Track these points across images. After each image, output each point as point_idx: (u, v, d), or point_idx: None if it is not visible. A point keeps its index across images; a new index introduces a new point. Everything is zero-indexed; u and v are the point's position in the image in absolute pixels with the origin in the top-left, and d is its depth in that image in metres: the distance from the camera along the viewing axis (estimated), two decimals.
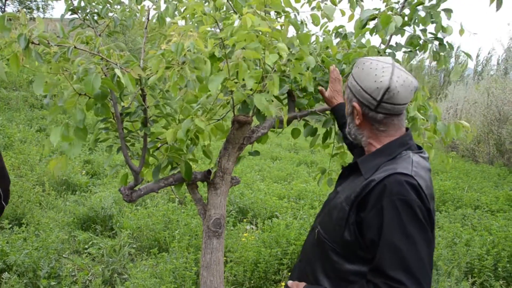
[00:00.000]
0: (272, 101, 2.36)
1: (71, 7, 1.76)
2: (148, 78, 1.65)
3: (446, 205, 6.54)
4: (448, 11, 2.40)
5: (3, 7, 22.57)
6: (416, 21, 2.37)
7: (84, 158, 7.21)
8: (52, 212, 5.02)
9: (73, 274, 3.61)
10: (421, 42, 2.40)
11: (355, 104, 1.49)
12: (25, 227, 4.29)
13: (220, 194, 2.20)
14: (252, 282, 3.72)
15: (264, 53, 1.85)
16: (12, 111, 9.78)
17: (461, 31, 2.46)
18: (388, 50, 2.37)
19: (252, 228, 5.13)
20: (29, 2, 21.03)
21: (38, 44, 1.45)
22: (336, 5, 2.54)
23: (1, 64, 1.45)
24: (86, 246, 4.26)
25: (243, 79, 1.73)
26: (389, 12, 2.22)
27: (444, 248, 4.49)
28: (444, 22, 2.39)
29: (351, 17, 2.38)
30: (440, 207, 6.52)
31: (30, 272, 3.39)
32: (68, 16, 1.85)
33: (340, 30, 2.76)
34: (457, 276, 4.01)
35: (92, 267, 3.74)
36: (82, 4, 1.87)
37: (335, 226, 1.46)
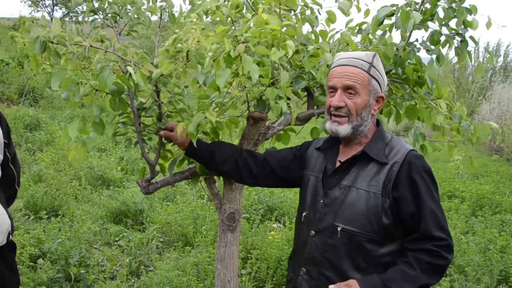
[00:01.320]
0: (289, 98, 2.39)
1: (92, 9, 1.86)
2: (161, 75, 1.72)
3: (483, 210, 6.29)
4: (473, 9, 2.34)
5: (52, 12, 23.65)
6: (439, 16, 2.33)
7: (120, 155, 7.46)
8: (87, 205, 5.25)
9: (102, 264, 3.77)
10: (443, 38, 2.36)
11: (383, 94, 1.65)
12: (61, 218, 4.51)
13: (235, 189, 2.25)
14: (274, 280, 3.75)
15: (271, 50, 1.87)
16: (55, 110, 10.25)
17: (488, 24, 2.39)
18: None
19: (280, 227, 5.16)
20: (75, 7, 21.94)
21: (57, 44, 1.55)
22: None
23: (27, 65, 1.57)
24: (117, 239, 4.43)
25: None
26: (408, 8, 2.20)
27: (475, 254, 4.35)
28: (470, 16, 2.33)
29: (367, 13, 2.37)
30: (476, 212, 6.30)
31: (62, 259, 3.57)
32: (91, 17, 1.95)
33: (364, 26, 2.74)
34: (488, 284, 3.89)
35: (120, 259, 3.89)
36: (106, 4, 1.97)
37: (368, 216, 1.54)
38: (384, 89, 1.67)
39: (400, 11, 2.19)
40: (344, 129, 1.60)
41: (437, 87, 2.40)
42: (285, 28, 1.97)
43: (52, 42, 1.53)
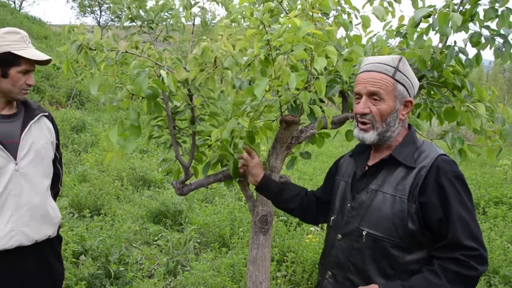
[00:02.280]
0: (323, 101, 2.38)
1: (130, 16, 1.94)
2: (193, 79, 1.76)
3: None
4: None
5: (98, 18, 24.65)
6: (479, 17, 2.26)
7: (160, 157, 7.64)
8: (128, 205, 5.42)
9: (141, 262, 3.88)
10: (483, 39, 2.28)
11: (411, 99, 1.61)
12: (103, 217, 4.68)
13: None
14: (309, 283, 3.74)
15: (312, 57, 1.87)
16: (100, 112, 10.63)
17: None
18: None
19: (317, 230, 5.13)
20: (120, 13, 22.75)
21: (95, 50, 1.63)
22: (399, 2, 2.51)
23: (65, 66, 1.66)
24: (156, 238, 4.55)
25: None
26: (446, 10, 2.14)
27: None
28: None
29: (401, 19, 2.33)
30: None
31: (103, 257, 3.71)
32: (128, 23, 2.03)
33: (403, 29, 2.69)
34: None
35: (158, 258, 3.99)
36: (142, 12, 2.04)
37: (393, 220, 1.51)
38: (413, 93, 1.63)
39: (437, 12, 2.14)
40: (369, 136, 1.59)
41: (478, 90, 2.32)
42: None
43: (90, 49, 1.61)
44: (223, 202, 5.60)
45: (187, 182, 2.20)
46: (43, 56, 1.95)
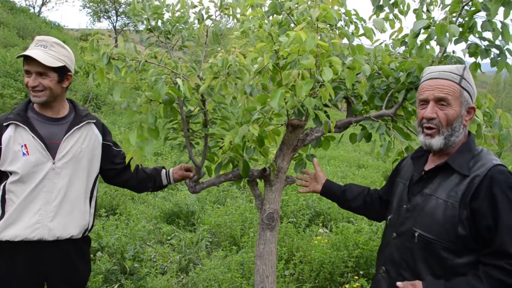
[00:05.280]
0: (328, 106, 2.53)
1: (148, 27, 2.11)
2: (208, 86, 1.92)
3: None
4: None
5: (115, 22, 25.09)
6: (477, 29, 2.38)
7: (175, 159, 7.84)
8: (142, 206, 5.60)
9: (154, 260, 4.05)
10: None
11: (474, 105, 1.69)
12: (118, 216, 4.87)
13: (275, 191, 2.40)
14: (316, 281, 3.87)
15: (319, 68, 2.01)
16: (116, 115, 10.89)
17: None
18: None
19: (326, 232, 5.26)
20: (136, 17, 23.15)
21: (118, 60, 1.80)
22: (405, 15, 2.65)
23: (91, 77, 1.83)
24: (169, 238, 4.72)
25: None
26: (444, 21, 2.27)
27: None
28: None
29: (400, 30, 2.47)
30: None
31: (118, 253, 3.89)
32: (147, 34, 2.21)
33: (407, 39, 2.82)
34: None
35: (171, 256, 4.16)
36: (160, 23, 2.22)
37: (444, 225, 1.57)
38: (474, 99, 1.69)
39: (436, 24, 2.27)
40: (436, 141, 1.66)
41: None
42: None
43: (113, 58, 1.78)
44: (235, 203, 5.75)
45: (200, 181, 2.37)
46: (33, 54, 2.00)
